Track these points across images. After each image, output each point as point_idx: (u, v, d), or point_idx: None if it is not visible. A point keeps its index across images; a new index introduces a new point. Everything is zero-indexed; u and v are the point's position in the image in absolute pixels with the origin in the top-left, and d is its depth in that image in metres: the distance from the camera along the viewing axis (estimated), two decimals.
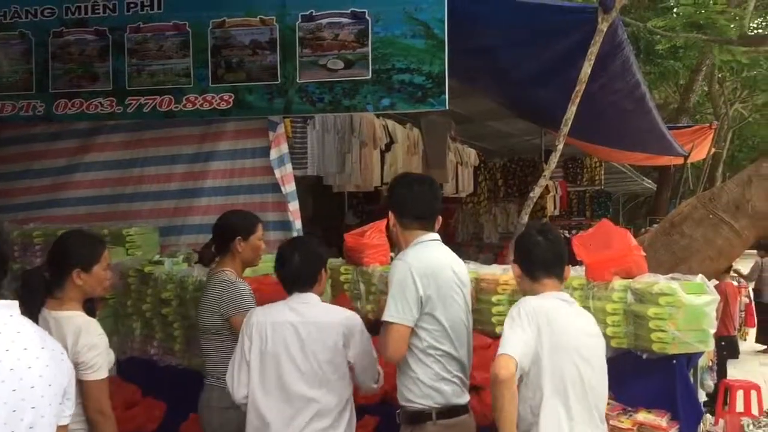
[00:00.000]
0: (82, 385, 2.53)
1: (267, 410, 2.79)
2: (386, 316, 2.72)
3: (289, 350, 2.80)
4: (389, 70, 4.11)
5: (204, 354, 3.46)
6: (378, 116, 7.68)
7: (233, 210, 3.91)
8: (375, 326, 3.93)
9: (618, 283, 3.20)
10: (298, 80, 4.25)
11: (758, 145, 22.41)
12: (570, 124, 4.24)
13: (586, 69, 4.08)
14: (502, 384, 2.35)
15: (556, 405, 2.44)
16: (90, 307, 3.07)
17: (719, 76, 16.95)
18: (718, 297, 3.07)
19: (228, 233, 3.47)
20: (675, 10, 10.03)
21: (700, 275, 3.09)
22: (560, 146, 4.35)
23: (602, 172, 13.36)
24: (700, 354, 3.23)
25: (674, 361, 3.06)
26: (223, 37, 4.38)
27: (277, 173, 5.12)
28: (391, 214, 2.92)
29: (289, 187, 5.18)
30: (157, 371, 4.38)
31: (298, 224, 5.20)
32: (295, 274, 2.91)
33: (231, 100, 4.39)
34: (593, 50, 4.03)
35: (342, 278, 4.17)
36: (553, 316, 2.48)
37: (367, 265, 4.09)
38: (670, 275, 3.20)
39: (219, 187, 5.42)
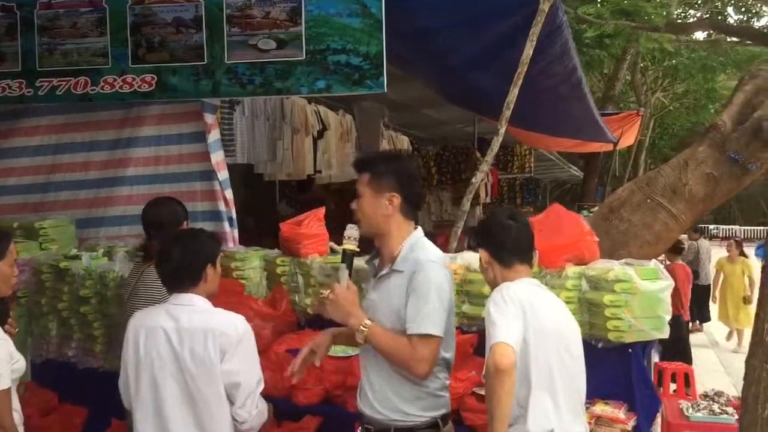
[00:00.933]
0: None
1: None
2: (429, 329, 2.30)
3: (163, 363, 2.41)
4: (324, 51, 3.94)
5: None
6: (310, 102, 7.47)
7: (169, 198, 3.62)
8: (315, 320, 3.77)
9: (571, 270, 3.08)
10: (226, 61, 4.06)
11: (678, 132, 23.19)
12: (512, 107, 4.12)
13: (528, 50, 3.96)
14: (503, 373, 2.14)
15: (544, 396, 2.28)
16: (2, 308, 2.76)
17: (642, 65, 17.38)
18: (672, 282, 3.00)
19: (173, 224, 3.25)
20: None
21: (654, 260, 3.01)
22: (502, 130, 4.24)
23: (532, 160, 13.50)
24: (654, 342, 3.17)
25: (630, 350, 2.97)
26: (143, 14, 4.13)
27: (213, 158, 4.87)
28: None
29: (223, 174, 4.94)
30: (76, 375, 4.10)
31: (232, 213, 4.95)
32: (173, 271, 2.52)
33: (153, 82, 4.15)
34: (535, 30, 3.92)
35: (279, 270, 3.93)
36: (535, 301, 2.33)
37: (305, 256, 3.86)
38: (624, 260, 3.11)
39: (142, 175, 5.15)
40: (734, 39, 13.98)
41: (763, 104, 4.83)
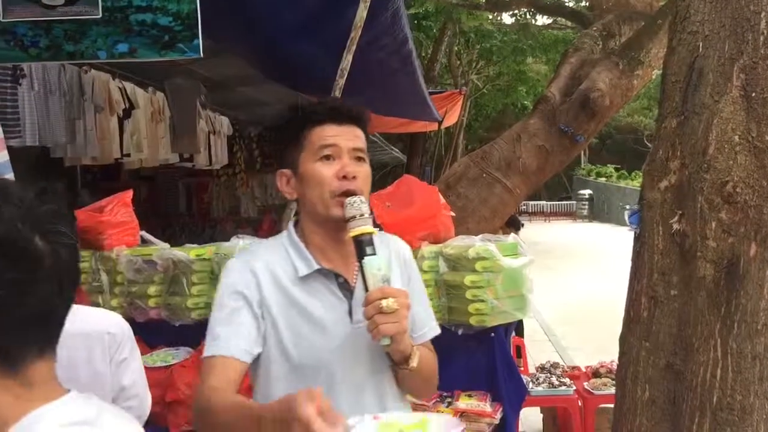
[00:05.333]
0: None
1: None
2: (437, 331, 1.86)
3: None
4: (125, 9, 3.37)
5: None
6: (114, 78, 6.66)
7: None
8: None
9: (428, 249, 2.74)
10: (1, 19, 3.36)
11: (491, 114, 24.28)
12: (346, 75, 3.77)
13: (362, 12, 3.62)
14: None
15: None
16: None
17: (456, 49, 17.87)
18: (533, 258, 2.79)
19: None
20: None
21: (512, 235, 2.79)
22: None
23: None
24: (515, 323, 2.96)
25: (492, 334, 2.71)
26: None
27: None
28: None
29: (1, 156, 4.13)
30: None
31: None
32: None
33: None
34: None
35: None
36: None
37: (108, 249, 3.25)
38: (481, 236, 2.86)
39: None
40: (541, 23, 14.73)
41: (589, 76, 4.92)
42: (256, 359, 1.65)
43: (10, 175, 4.14)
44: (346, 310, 1.66)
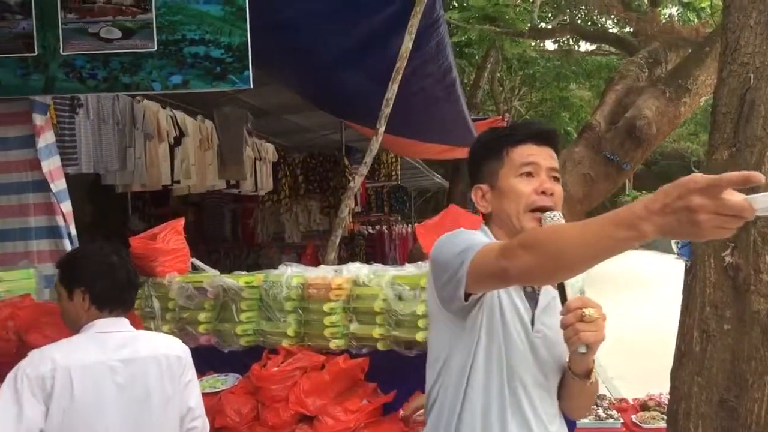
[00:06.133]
0: None
1: None
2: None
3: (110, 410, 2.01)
4: (179, 42, 3.48)
5: None
6: (164, 106, 6.86)
7: None
8: None
9: None
10: (61, 52, 3.51)
11: None
12: (391, 104, 3.82)
13: (408, 43, 3.68)
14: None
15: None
16: None
17: (499, 75, 17.88)
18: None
19: None
20: (467, 2, 10.19)
21: None
22: (381, 129, 3.94)
23: (399, 168, 13.40)
24: None
25: None
26: None
27: (45, 167, 4.19)
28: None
29: (59, 184, 4.27)
30: None
31: (71, 230, 4.30)
32: (122, 288, 2.18)
33: None
34: (414, 22, 3.65)
35: None
36: None
37: (161, 276, 3.33)
38: None
39: None
40: (584, 49, 14.67)
41: (635, 104, 4.89)
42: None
43: (67, 203, 4.30)
44: (529, 318, 1.73)
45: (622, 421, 4.34)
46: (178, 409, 2.14)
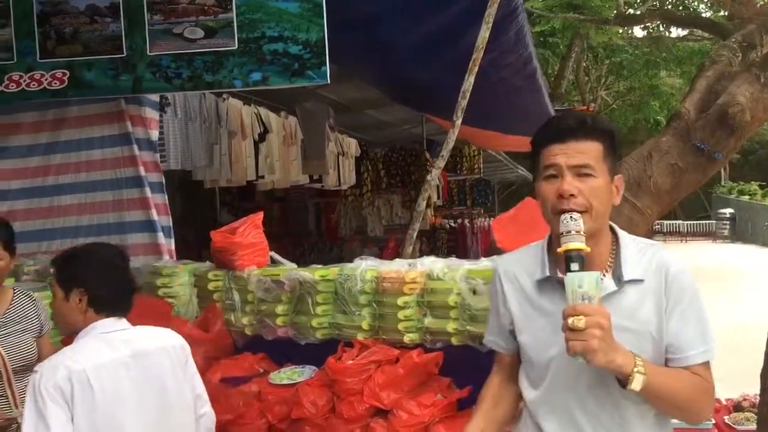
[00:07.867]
0: None
1: None
2: (709, 356, 1.72)
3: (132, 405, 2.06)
4: (259, 39, 3.56)
5: None
6: (249, 103, 7.03)
7: None
8: (254, 343, 3.35)
9: None
10: (148, 53, 3.65)
11: (622, 130, 23.44)
12: (468, 96, 3.77)
13: (484, 33, 3.62)
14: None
15: None
16: None
17: (584, 65, 17.44)
18: None
19: None
20: None
21: None
22: (458, 122, 3.88)
23: (481, 161, 13.27)
24: None
25: None
26: (52, 2, 3.70)
27: (146, 159, 4.53)
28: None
29: (156, 177, 4.55)
30: None
31: (166, 222, 4.51)
32: (125, 290, 2.22)
33: (65, 78, 3.72)
34: (491, 11, 3.58)
35: (211, 286, 3.45)
36: None
37: (240, 269, 3.41)
38: None
39: (63, 184, 4.65)
40: (675, 35, 14.09)
41: (727, 90, 4.64)
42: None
43: (162, 196, 4.53)
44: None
45: (713, 422, 4.16)
46: (192, 396, 2.23)
